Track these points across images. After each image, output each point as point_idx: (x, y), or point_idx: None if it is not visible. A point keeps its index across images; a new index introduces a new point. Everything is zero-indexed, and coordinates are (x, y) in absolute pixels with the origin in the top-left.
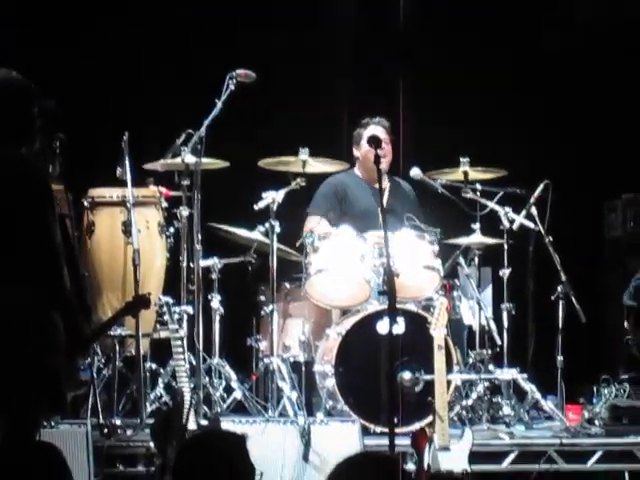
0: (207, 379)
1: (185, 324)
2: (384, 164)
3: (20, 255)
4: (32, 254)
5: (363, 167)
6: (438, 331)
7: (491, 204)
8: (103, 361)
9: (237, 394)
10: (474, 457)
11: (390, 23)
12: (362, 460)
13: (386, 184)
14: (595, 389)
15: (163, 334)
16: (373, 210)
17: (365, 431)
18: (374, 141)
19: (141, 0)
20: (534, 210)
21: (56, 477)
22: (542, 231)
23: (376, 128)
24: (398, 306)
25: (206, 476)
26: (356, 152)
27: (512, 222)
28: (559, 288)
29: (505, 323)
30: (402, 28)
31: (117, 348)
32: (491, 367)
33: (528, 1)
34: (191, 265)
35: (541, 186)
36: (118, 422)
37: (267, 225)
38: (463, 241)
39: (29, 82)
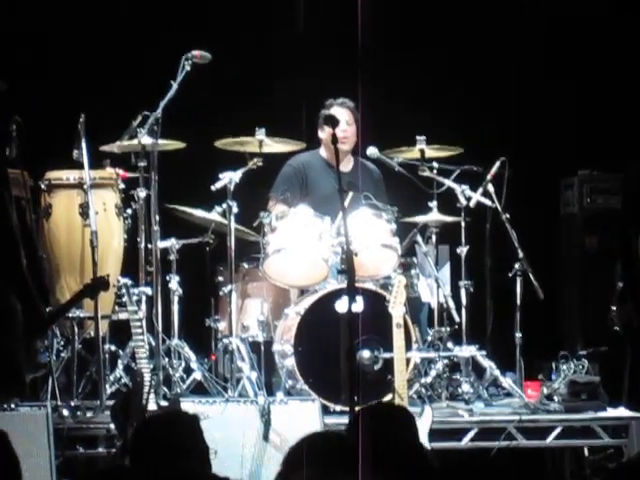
0: (166, 360)
1: (144, 305)
2: (347, 145)
3: None
4: None
5: (326, 148)
6: (397, 309)
7: (448, 182)
8: (62, 343)
9: (197, 375)
10: (434, 435)
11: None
12: (318, 439)
13: (350, 165)
14: (554, 365)
15: (122, 316)
16: (334, 192)
17: (325, 410)
18: (331, 121)
19: None
20: (491, 187)
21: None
22: (499, 208)
23: (339, 109)
24: (357, 285)
25: (159, 455)
26: (320, 133)
27: (469, 200)
28: (516, 265)
29: (463, 300)
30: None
31: (76, 330)
32: (450, 344)
33: None
34: (149, 246)
35: (497, 163)
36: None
37: (225, 205)
38: (420, 219)
39: None
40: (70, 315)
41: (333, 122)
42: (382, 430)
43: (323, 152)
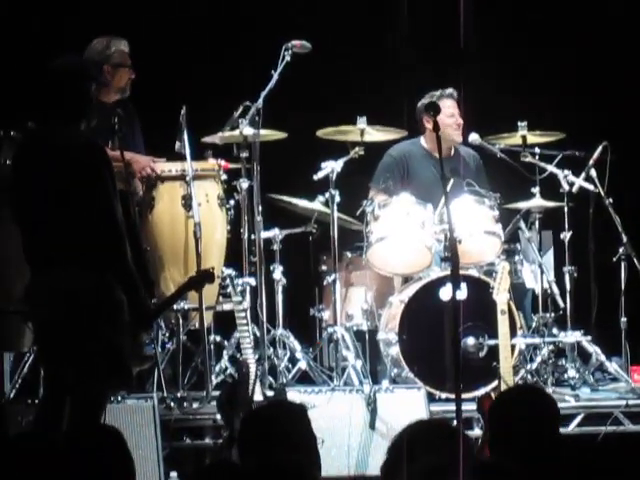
0: (271, 350)
1: (248, 296)
2: (457, 136)
3: (83, 232)
4: (95, 230)
5: (429, 136)
6: (501, 296)
7: (550, 167)
8: (167, 335)
9: (302, 364)
10: None
11: None
12: (423, 427)
13: (451, 152)
14: None
15: (226, 306)
16: (435, 180)
17: (431, 397)
18: (433, 108)
19: None
20: (593, 172)
21: (119, 462)
22: (602, 193)
23: (448, 101)
24: (460, 272)
25: (268, 446)
26: (425, 122)
27: (572, 185)
28: (621, 249)
29: (567, 286)
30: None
31: (180, 322)
32: (555, 330)
33: None
34: (252, 237)
35: (600, 148)
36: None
37: (327, 195)
38: (523, 205)
39: (85, 62)
40: (174, 307)
41: (435, 110)
42: (522, 414)
43: (424, 140)
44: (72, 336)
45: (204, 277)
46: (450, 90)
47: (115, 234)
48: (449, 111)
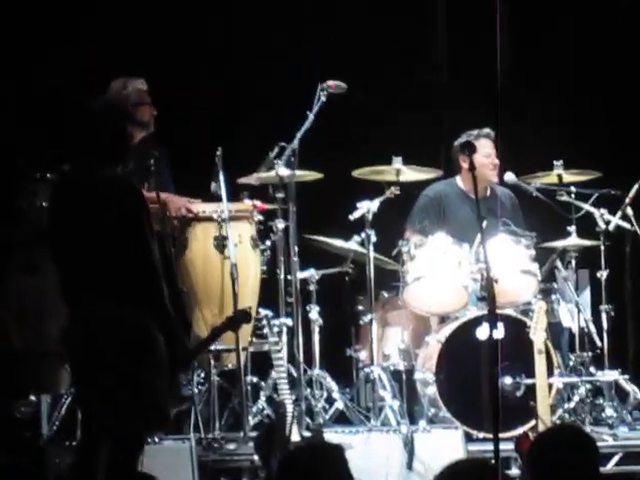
0: (308, 390)
1: (284, 336)
2: (494, 176)
3: (121, 273)
4: (132, 272)
5: (465, 176)
6: (538, 335)
7: (586, 206)
8: (202, 376)
9: (339, 404)
10: None
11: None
12: (463, 467)
13: (487, 192)
14: None
15: (262, 347)
16: (471, 220)
17: (468, 437)
18: (468, 148)
19: (238, 16)
20: (630, 210)
21: None
22: (638, 231)
23: (485, 141)
24: (497, 311)
25: None
26: (463, 163)
27: (608, 223)
28: None
29: (604, 324)
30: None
31: (213, 363)
32: (592, 369)
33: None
34: (288, 277)
35: (636, 186)
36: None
37: (363, 235)
38: (559, 244)
39: (123, 105)
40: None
41: (471, 149)
42: (562, 455)
43: (459, 181)
44: (109, 378)
45: (241, 317)
46: (487, 130)
47: (152, 275)
48: (485, 151)
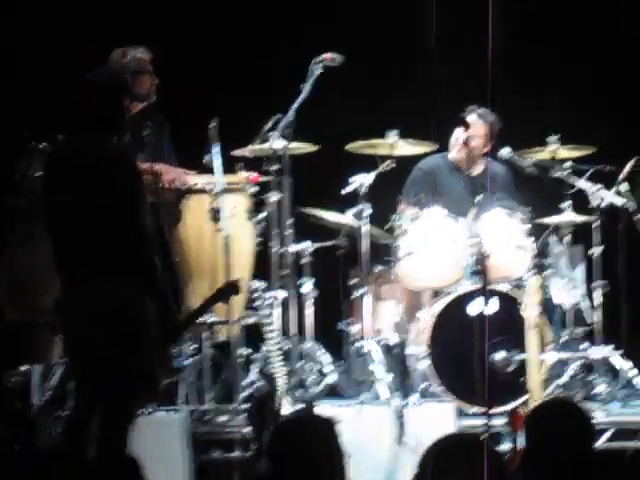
0: (300, 363)
1: (277, 309)
2: (455, 153)
3: (114, 245)
4: (126, 243)
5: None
6: (530, 311)
7: (581, 182)
8: (193, 348)
9: (331, 378)
10: None
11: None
12: (453, 441)
13: (480, 168)
14: None
15: (254, 319)
16: (464, 194)
17: (460, 412)
18: (462, 123)
19: None
20: (624, 187)
21: None
22: (630, 209)
23: (478, 121)
24: (490, 286)
25: (298, 460)
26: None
27: (602, 199)
28: None
29: (597, 301)
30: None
31: (207, 335)
32: (585, 345)
33: None
34: (282, 250)
35: (631, 162)
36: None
37: (357, 208)
38: (554, 220)
39: (119, 74)
40: (201, 319)
41: (465, 125)
42: (557, 428)
43: (452, 155)
44: (104, 350)
45: (230, 288)
46: (483, 110)
47: (146, 248)
48: (473, 131)
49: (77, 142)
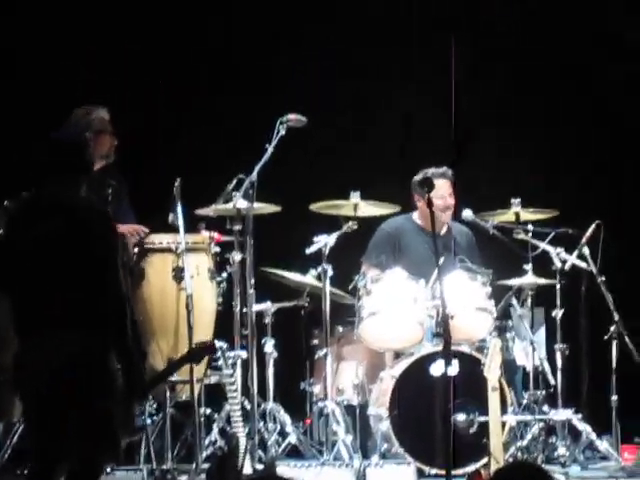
0: (262, 423)
1: (239, 369)
2: (448, 215)
3: (85, 300)
4: (98, 299)
5: (422, 213)
6: (492, 372)
7: (543, 245)
8: (155, 407)
9: (292, 438)
10: None
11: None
12: None
13: (444, 229)
14: None
15: (216, 379)
16: (428, 256)
17: (420, 473)
18: (427, 185)
19: (194, 46)
20: (586, 250)
21: None
22: (594, 271)
23: (442, 180)
24: (452, 348)
25: None
26: (417, 199)
27: (564, 262)
28: (612, 328)
29: (559, 363)
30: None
31: (168, 394)
32: (545, 408)
33: (582, 46)
34: (244, 310)
35: (593, 226)
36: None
37: (320, 269)
38: (515, 282)
39: (83, 133)
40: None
41: (429, 186)
42: None
43: (417, 216)
44: (64, 408)
45: (205, 350)
46: (443, 169)
47: (120, 306)
48: (439, 192)
49: (48, 192)
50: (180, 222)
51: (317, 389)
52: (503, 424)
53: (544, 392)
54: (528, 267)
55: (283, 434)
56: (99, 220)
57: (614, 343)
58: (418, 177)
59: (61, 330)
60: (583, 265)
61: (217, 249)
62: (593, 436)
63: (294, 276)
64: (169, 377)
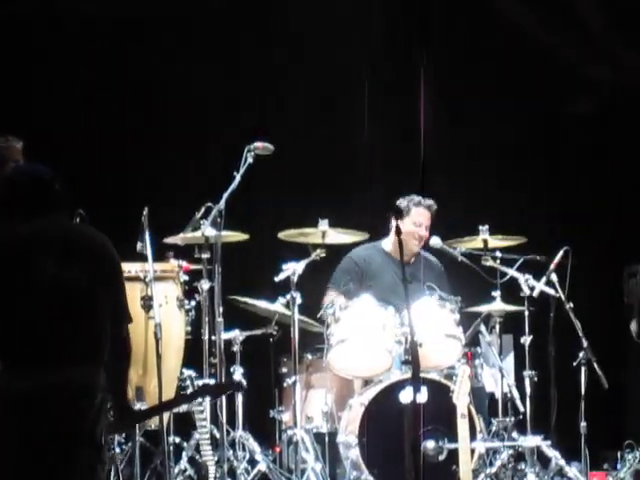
0: (231, 452)
1: (208, 397)
2: (415, 246)
3: (94, 330)
4: (105, 329)
5: (394, 241)
6: (461, 399)
7: (511, 271)
8: (124, 436)
9: (261, 466)
10: None
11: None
12: None
13: (413, 258)
14: (619, 455)
15: (185, 408)
16: (396, 283)
17: None
18: (396, 211)
19: (159, 76)
20: (554, 276)
21: None
22: (562, 297)
23: (424, 212)
24: (421, 375)
25: None
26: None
27: (532, 289)
28: (581, 354)
29: (527, 390)
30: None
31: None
32: (514, 434)
33: (546, 67)
34: (213, 338)
35: (561, 252)
36: None
37: (288, 297)
38: (484, 309)
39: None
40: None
41: (399, 214)
42: None
43: (385, 243)
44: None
45: (228, 387)
46: (430, 202)
47: (124, 335)
48: (418, 219)
49: (36, 224)
50: (148, 251)
51: (286, 417)
52: (472, 451)
53: (513, 419)
54: (496, 294)
55: (252, 462)
56: (107, 248)
57: (583, 369)
58: (399, 202)
59: (54, 365)
60: (551, 292)
61: (185, 277)
62: (562, 462)
63: (262, 304)
64: (166, 411)
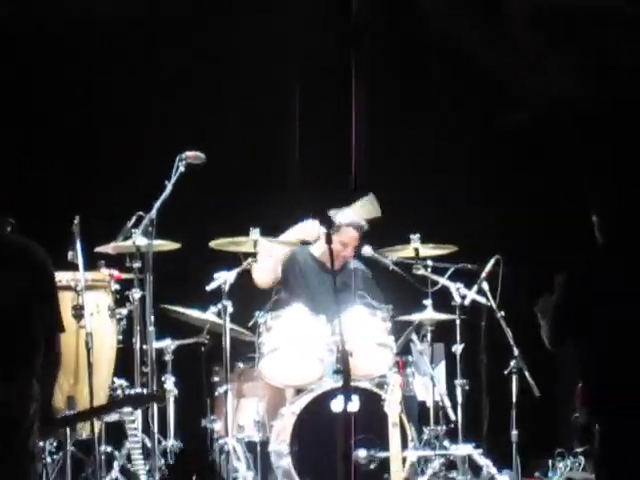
0: (163, 461)
1: (129, 407)
2: (338, 263)
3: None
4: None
5: (324, 248)
6: (392, 408)
7: (442, 280)
8: (55, 445)
9: None
10: None
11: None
12: None
13: (342, 266)
14: (550, 463)
15: (116, 417)
16: (326, 291)
17: None
18: (326, 222)
19: (92, 82)
20: (485, 285)
21: None
22: (494, 306)
23: (353, 232)
24: (352, 384)
25: None
26: (334, 233)
27: (464, 297)
28: (512, 363)
29: (459, 398)
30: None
31: (68, 432)
32: (446, 443)
33: (479, 84)
34: (144, 347)
35: (492, 261)
36: None
37: (220, 305)
38: (415, 317)
39: None
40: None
41: (329, 225)
42: None
43: (314, 249)
44: None
45: (150, 398)
46: (362, 223)
47: (56, 345)
48: (347, 240)
49: None
50: (79, 260)
51: (218, 426)
52: (404, 460)
53: (444, 427)
54: (428, 302)
55: None
56: (39, 256)
57: (514, 378)
58: (333, 212)
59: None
60: (482, 300)
61: (117, 286)
62: (494, 471)
63: (194, 313)
64: (105, 414)
